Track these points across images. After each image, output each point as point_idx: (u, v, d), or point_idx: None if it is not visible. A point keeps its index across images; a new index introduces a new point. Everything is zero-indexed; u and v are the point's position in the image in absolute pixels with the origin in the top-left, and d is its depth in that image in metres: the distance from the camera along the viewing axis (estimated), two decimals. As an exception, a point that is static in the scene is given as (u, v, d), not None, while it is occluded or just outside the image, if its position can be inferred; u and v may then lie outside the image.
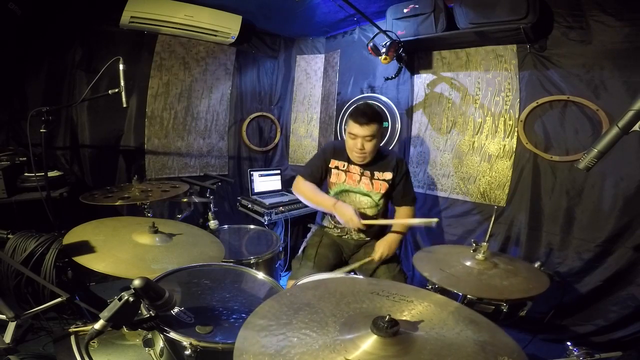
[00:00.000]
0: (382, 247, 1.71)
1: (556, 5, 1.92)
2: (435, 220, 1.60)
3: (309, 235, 1.98)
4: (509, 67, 2.16)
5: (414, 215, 1.88)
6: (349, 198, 1.83)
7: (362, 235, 1.86)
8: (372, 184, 1.80)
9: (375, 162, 1.80)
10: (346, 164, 1.81)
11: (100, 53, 2.42)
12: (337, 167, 1.83)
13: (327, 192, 1.88)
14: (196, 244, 1.41)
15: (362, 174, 1.81)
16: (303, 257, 1.82)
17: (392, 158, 1.84)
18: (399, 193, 1.83)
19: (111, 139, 2.59)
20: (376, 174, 1.80)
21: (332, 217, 1.87)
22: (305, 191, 1.83)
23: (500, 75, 2.20)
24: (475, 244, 1.46)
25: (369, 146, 1.69)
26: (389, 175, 1.80)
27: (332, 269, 1.73)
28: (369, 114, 1.67)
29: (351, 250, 1.88)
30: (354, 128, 1.67)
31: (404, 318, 0.77)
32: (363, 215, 1.74)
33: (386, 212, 1.93)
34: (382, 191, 1.80)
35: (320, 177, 1.85)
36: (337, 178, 1.84)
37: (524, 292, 1.27)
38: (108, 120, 2.54)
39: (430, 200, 2.57)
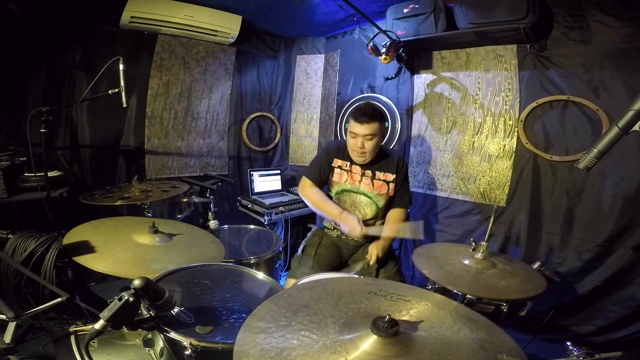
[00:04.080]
0: (375, 249, 1.68)
1: (556, 5, 1.92)
2: (420, 237, 1.72)
3: (308, 235, 1.99)
4: (509, 67, 2.16)
5: (407, 217, 1.88)
6: (349, 198, 1.83)
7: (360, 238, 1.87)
8: (373, 184, 1.80)
9: (377, 161, 1.80)
10: (348, 163, 1.82)
11: (100, 53, 2.42)
12: (340, 167, 1.83)
13: (328, 191, 1.89)
14: (196, 244, 1.40)
15: (363, 174, 1.81)
16: (303, 256, 1.82)
17: (394, 158, 1.83)
18: (396, 194, 1.83)
19: (111, 139, 2.59)
20: (377, 174, 1.80)
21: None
22: (311, 197, 1.84)
23: (500, 75, 2.20)
24: (474, 243, 1.46)
25: (369, 145, 1.70)
26: (390, 177, 1.80)
27: (331, 269, 1.74)
28: (369, 113, 1.67)
29: (350, 251, 1.88)
30: (355, 127, 1.69)
31: (402, 318, 0.77)
32: (365, 222, 1.77)
33: (386, 213, 1.92)
34: (382, 192, 1.80)
35: (325, 177, 1.86)
36: (339, 177, 1.84)
37: (521, 293, 1.27)
38: (108, 120, 2.54)
39: (430, 200, 2.57)
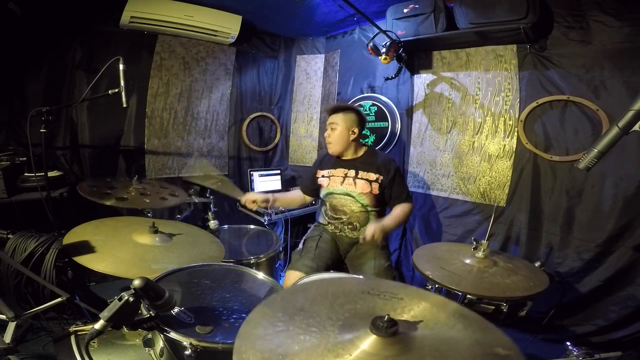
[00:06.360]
0: (372, 227, 1.59)
1: (556, 5, 1.92)
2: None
3: (309, 231, 2.04)
4: (509, 67, 2.16)
5: (412, 211, 1.87)
6: (335, 199, 1.91)
7: (354, 234, 1.89)
8: (355, 183, 1.85)
9: (361, 161, 1.88)
10: (330, 170, 1.94)
11: (100, 53, 2.42)
12: (322, 176, 1.97)
13: (320, 194, 2.01)
14: (196, 244, 1.41)
15: (345, 175, 1.88)
16: (304, 249, 1.86)
17: (378, 159, 1.88)
18: (389, 195, 1.85)
19: (111, 139, 2.59)
20: (360, 173, 1.86)
21: (327, 214, 1.96)
22: None
23: (500, 75, 2.20)
24: (475, 241, 1.46)
25: (332, 135, 1.87)
26: (372, 176, 1.84)
27: (330, 262, 1.78)
28: (334, 106, 1.95)
29: (345, 249, 1.92)
30: (327, 119, 1.94)
31: (398, 316, 0.77)
32: (355, 217, 1.86)
33: (378, 213, 1.90)
34: (365, 190, 1.82)
35: (312, 186, 2.03)
36: (322, 183, 1.97)
37: (525, 290, 1.26)
38: (108, 120, 2.54)
39: (430, 200, 2.57)
